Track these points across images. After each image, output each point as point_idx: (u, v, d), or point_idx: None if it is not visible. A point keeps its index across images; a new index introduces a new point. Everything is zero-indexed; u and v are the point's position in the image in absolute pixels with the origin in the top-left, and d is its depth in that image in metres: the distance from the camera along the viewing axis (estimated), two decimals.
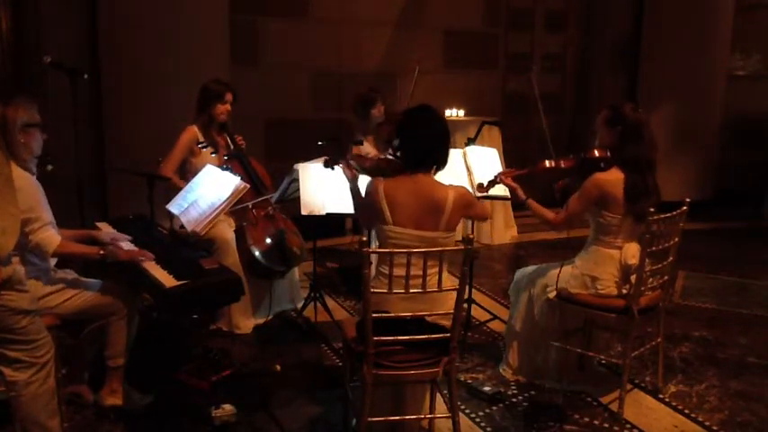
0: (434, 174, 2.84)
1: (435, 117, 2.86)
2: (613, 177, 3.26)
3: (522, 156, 5.95)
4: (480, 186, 3.63)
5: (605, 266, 3.33)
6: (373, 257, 2.85)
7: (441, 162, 2.84)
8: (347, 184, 3.10)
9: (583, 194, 3.31)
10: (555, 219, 3.42)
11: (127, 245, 3.35)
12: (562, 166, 3.44)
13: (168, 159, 4.16)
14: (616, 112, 3.33)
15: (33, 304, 2.62)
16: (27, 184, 2.89)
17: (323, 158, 4.11)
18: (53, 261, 3.11)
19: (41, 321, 2.66)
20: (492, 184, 3.57)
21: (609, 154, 3.34)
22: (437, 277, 2.61)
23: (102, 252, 3.07)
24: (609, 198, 3.25)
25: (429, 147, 2.80)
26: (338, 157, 3.30)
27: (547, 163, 3.46)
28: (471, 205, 2.84)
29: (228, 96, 4.23)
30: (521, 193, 3.48)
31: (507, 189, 3.67)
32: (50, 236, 2.92)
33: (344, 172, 3.10)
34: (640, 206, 3.21)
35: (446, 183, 2.86)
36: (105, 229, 3.54)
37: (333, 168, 3.39)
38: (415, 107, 2.88)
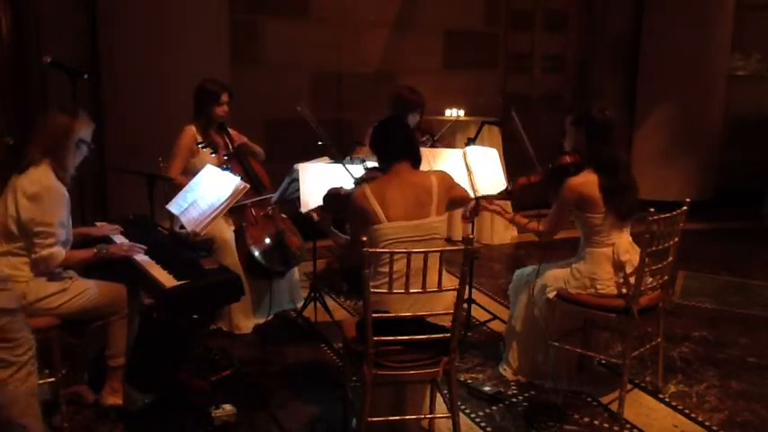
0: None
1: (400, 121, 3.18)
2: (586, 179, 3.29)
3: (521, 156, 5.94)
4: (464, 217, 3.77)
5: (602, 265, 3.34)
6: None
7: (414, 154, 2.93)
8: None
9: (560, 202, 3.36)
10: (540, 229, 3.46)
11: (119, 238, 3.40)
12: (533, 180, 3.50)
13: (172, 163, 4.16)
14: (581, 112, 3.35)
15: (14, 302, 2.60)
16: (54, 195, 2.96)
17: (322, 159, 4.12)
18: None
19: (24, 319, 2.63)
20: (476, 212, 3.71)
21: (577, 158, 3.36)
22: (437, 275, 2.62)
23: (95, 251, 3.13)
24: (586, 199, 3.29)
25: (402, 142, 2.92)
26: (309, 211, 3.47)
27: (521, 180, 3.56)
28: (454, 186, 2.95)
29: (224, 97, 4.22)
30: (505, 215, 3.59)
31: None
32: (56, 253, 2.97)
33: (321, 224, 3.22)
34: (618, 203, 3.26)
35: None
36: (103, 229, 3.55)
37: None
38: (388, 117, 3.16)
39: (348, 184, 3.31)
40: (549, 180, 3.43)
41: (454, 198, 2.94)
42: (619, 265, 3.31)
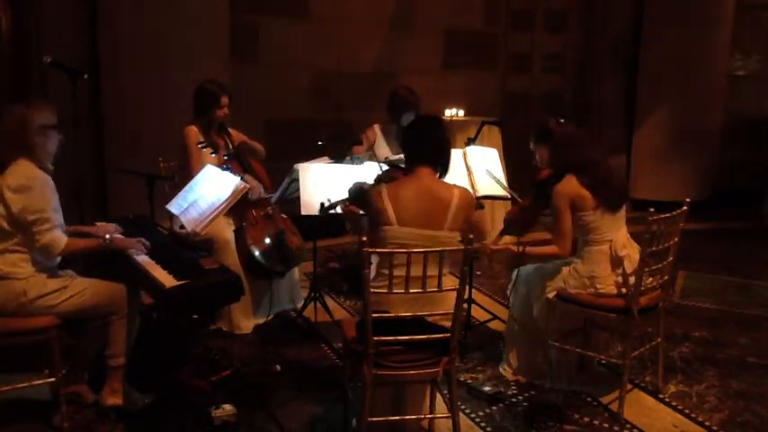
0: (439, 177, 2.87)
1: (434, 120, 2.99)
2: (569, 181, 3.35)
3: (521, 156, 5.94)
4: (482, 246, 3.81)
5: (600, 263, 3.36)
6: (374, 259, 2.85)
7: (444, 163, 2.87)
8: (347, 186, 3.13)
9: (557, 210, 3.37)
10: (557, 249, 3.43)
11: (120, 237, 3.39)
12: (523, 205, 3.65)
13: (192, 165, 4.12)
14: (540, 129, 3.51)
15: None
16: (41, 184, 2.96)
17: (322, 159, 4.12)
18: (57, 259, 3.14)
19: None
20: (478, 251, 3.72)
21: (553, 169, 3.46)
22: (437, 279, 2.61)
23: (100, 241, 3.15)
24: (576, 199, 3.33)
25: (433, 144, 2.85)
26: (336, 203, 3.43)
27: (510, 212, 3.73)
28: (473, 208, 2.88)
29: (224, 100, 4.22)
30: (513, 250, 3.55)
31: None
32: (58, 237, 2.97)
33: (346, 215, 3.19)
34: (605, 195, 3.32)
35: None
36: (104, 228, 3.54)
37: (327, 212, 3.50)
38: (424, 115, 3.03)
39: (371, 180, 3.32)
40: (537, 198, 3.52)
41: (470, 223, 2.86)
42: (617, 261, 3.32)
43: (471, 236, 2.64)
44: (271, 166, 4.56)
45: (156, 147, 4.50)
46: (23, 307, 2.95)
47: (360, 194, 3.11)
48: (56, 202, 3.01)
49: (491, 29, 7.72)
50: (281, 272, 4.29)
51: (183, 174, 4.16)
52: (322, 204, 3.60)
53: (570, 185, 3.33)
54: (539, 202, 3.51)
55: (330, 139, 4.28)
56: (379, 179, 3.14)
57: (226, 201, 3.39)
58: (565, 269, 3.46)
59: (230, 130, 4.38)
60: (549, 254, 3.46)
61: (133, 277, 3.17)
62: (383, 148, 4.77)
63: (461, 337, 3.73)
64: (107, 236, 3.22)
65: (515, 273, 3.74)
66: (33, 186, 2.93)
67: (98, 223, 3.65)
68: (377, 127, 4.92)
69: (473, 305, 4.41)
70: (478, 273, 4.85)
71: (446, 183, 2.85)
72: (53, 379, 3.06)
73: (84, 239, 3.17)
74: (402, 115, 4.67)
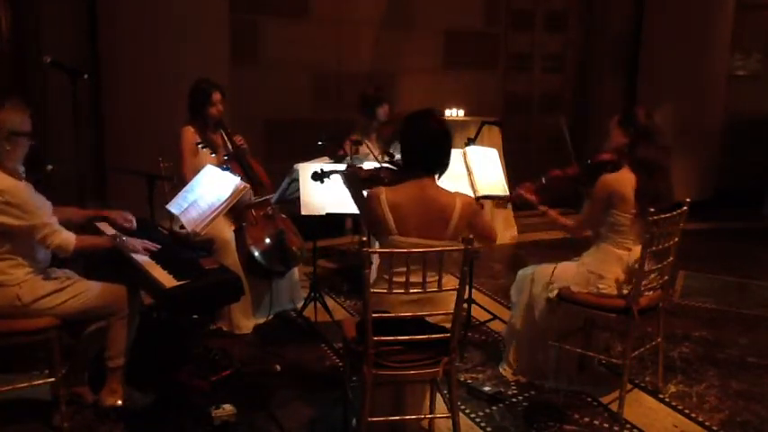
0: (438, 179, 2.80)
1: (436, 121, 2.80)
2: (623, 177, 3.31)
3: (522, 156, 5.95)
4: (498, 201, 3.74)
5: (612, 266, 3.34)
6: (375, 264, 2.84)
7: (442, 167, 2.78)
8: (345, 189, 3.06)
9: (593, 197, 3.36)
10: (571, 224, 3.45)
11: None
12: (569, 173, 3.56)
13: (183, 164, 4.14)
14: (629, 113, 3.42)
15: None
16: (21, 192, 2.87)
17: (322, 159, 4.11)
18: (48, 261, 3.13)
19: None
20: (510, 199, 3.66)
21: (616, 157, 3.40)
22: (437, 284, 2.61)
23: (112, 241, 3.14)
24: (618, 196, 3.29)
25: (429, 150, 2.75)
26: (330, 172, 3.21)
27: (555, 172, 3.59)
28: (477, 214, 2.82)
29: (216, 96, 4.20)
30: (537, 205, 3.53)
31: (507, 189, 3.78)
32: (67, 236, 2.97)
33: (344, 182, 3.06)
34: (650, 205, 3.21)
35: (446, 185, 2.83)
36: (105, 229, 3.54)
37: (322, 182, 3.26)
38: (416, 111, 2.83)
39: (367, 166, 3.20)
40: (584, 175, 3.48)
41: (475, 229, 2.77)
42: (631, 271, 3.29)
43: (471, 236, 2.63)
44: (270, 167, 4.56)
45: (156, 147, 4.49)
46: (19, 310, 2.93)
47: (352, 179, 2.97)
48: (38, 201, 2.93)
49: (491, 29, 7.72)
50: (281, 272, 4.29)
51: (180, 174, 4.16)
52: (315, 172, 3.33)
53: (619, 181, 3.29)
54: (585, 183, 3.45)
55: (330, 139, 4.28)
56: (377, 172, 2.97)
57: (226, 201, 3.39)
58: (572, 264, 3.45)
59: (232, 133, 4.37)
60: (562, 225, 3.47)
61: (133, 277, 3.17)
62: (366, 150, 4.81)
63: (461, 337, 3.72)
64: (119, 235, 3.21)
65: (519, 273, 3.74)
66: (12, 198, 2.83)
67: (99, 224, 3.63)
68: (359, 133, 5.00)
69: (473, 305, 4.42)
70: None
71: (447, 191, 2.75)
72: (53, 379, 3.06)
73: (93, 237, 3.17)
74: (376, 111, 5.07)
